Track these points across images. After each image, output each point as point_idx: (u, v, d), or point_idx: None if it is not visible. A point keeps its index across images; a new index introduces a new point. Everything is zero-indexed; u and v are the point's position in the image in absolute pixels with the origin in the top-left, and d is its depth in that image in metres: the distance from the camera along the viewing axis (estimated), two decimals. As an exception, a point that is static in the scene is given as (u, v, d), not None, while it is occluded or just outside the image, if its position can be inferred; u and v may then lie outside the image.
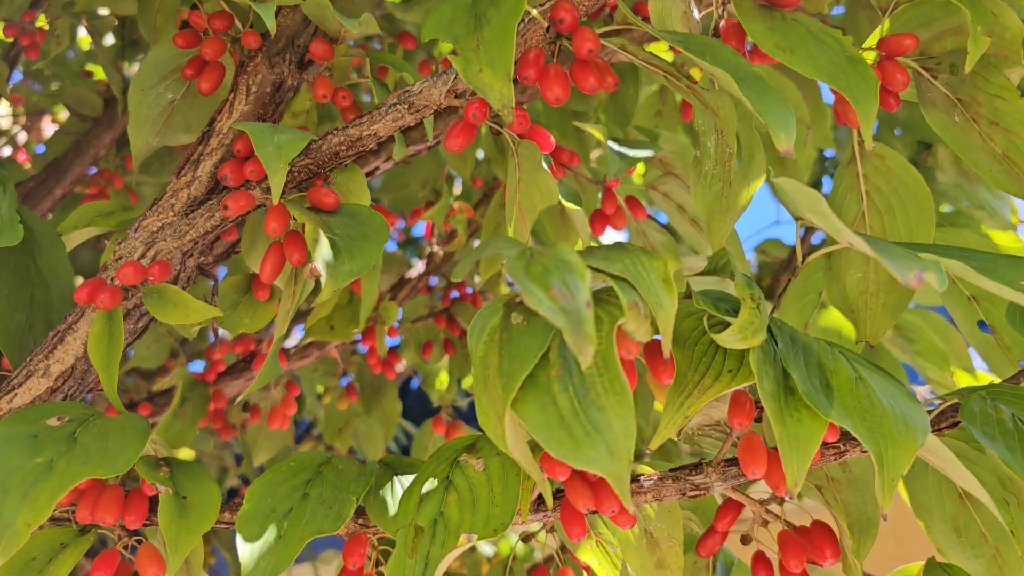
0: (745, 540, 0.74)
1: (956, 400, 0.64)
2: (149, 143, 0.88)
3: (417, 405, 2.75)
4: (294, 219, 0.73)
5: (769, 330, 0.58)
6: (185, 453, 1.78)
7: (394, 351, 1.36)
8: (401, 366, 1.69)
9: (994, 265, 0.56)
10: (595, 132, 1.00)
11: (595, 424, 0.47)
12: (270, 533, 0.60)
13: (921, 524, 0.75)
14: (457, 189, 1.64)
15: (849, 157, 0.76)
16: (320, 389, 1.53)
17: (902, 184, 0.74)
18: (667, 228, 1.20)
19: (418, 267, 1.33)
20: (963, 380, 1.18)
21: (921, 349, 1.19)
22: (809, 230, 0.99)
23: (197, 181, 0.78)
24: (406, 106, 0.71)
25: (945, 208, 1.60)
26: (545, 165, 0.73)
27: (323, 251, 0.64)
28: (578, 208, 0.85)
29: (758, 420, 0.67)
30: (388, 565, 0.56)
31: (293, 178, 0.75)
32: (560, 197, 0.70)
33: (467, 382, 1.45)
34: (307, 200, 0.74)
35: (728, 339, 0.52)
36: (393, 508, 0.65)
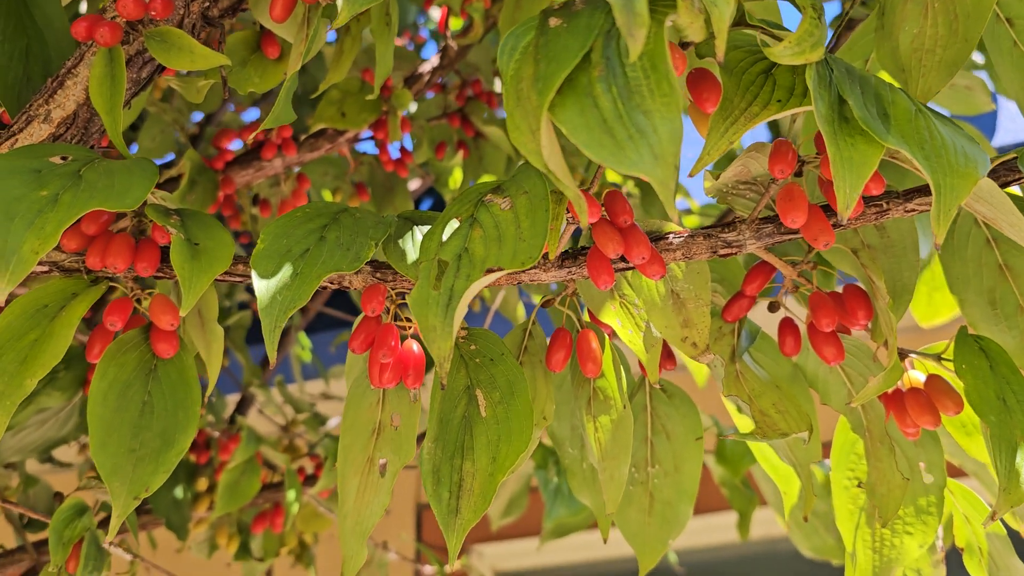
0: (773, 307, 0.72)
1: (1014, 155, 0.60)
2: None
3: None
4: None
5: (824, 60, 0.53)
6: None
7: (406, 151, 1.32)
8: (415, 184, 1.65)
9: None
10: None
11: (639, 127, 0.43)
12: (286, 271, 0.58)
13: (954, 298, 0.72)
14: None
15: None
16: (328, 196, 1.50)
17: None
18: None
19: (432, 61, 1.27)
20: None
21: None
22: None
23: (199, -83, 0.72)
24: None
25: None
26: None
27: (339, -25, 0.59)
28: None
29: (799, 174, 0.64)
30: (411, 296, 0.54)
31: (304, -89, 0.69)
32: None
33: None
34: (319, -66, 0.68)
35: (784, 52, 0.48)
36: (413, 255, 0.63)
